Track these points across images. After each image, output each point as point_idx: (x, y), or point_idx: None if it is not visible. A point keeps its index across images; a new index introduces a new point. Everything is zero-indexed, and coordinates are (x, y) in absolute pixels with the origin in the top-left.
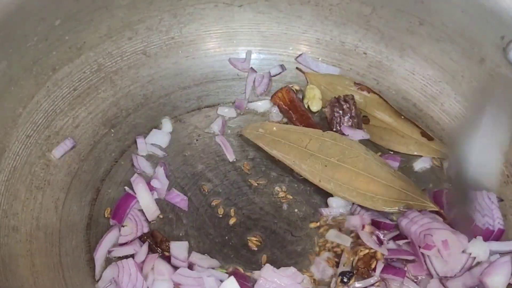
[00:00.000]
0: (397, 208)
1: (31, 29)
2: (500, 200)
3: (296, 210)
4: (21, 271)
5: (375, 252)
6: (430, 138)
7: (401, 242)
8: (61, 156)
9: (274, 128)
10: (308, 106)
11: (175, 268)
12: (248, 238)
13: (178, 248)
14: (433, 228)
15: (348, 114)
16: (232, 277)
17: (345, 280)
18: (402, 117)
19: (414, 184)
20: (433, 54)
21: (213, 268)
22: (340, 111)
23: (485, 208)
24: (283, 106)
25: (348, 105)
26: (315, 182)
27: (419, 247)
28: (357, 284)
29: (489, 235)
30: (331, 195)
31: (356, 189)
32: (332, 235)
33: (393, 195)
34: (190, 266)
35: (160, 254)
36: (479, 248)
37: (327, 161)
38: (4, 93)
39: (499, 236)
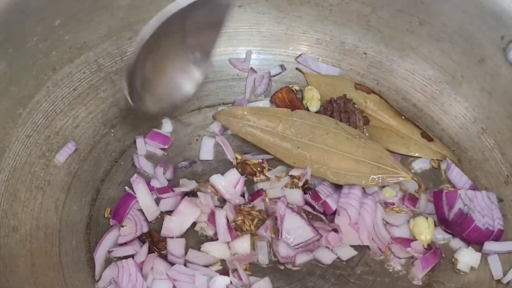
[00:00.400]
0: (370, 183)
1: (31, 29)
2: (500, 200)
3: None
4: (21, 271)
5: None
6: (430, 139)
7: None
8: (65, 160)
9: (245, 112)
10: (307, 107)
11: (173, 264)
12: None
13: (175, 244)
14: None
15: (337, 112)
16: (226, 277)
17: None
18: (403, 117)
19: (387, 153)
20: (433, 54)
21: (209, 266)
22: (330, 111)
23: (485, 208)
24: (283, 106)
25: (337, 104)
26: (291, 164)
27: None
28: None
29: (489, 236)
30: None
31: (330, 168)
32: None
33: (365, 170)
34: (186, 264)
35: (158, 254)
36: (471, 257)
37: (299, 142)
38: (4, 93)
39: (498, 236)
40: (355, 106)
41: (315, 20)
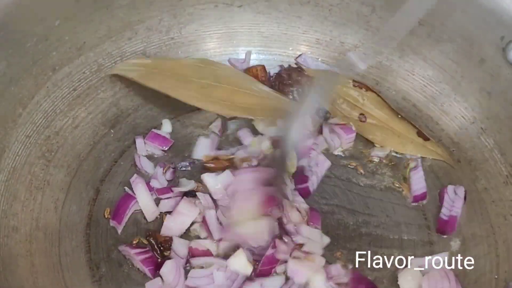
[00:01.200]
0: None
1: (31, 29)
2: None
3: None
4: (21, 272)
5: None
6: (426, 138)
7: None
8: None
9: (149, 60)
10: None
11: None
12: None
13: (180, 244)
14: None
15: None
16: (240, 250)
17: None
18: (399, 116)
19: (285, 99)
20: (432, 54)
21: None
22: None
23: (447, 201)
24: None
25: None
26: (196, 104)
27: None
28: None
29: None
30: None
31: (236, 104)
32: None
33: (269, 104)
34: (188, 261)
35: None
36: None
37: (204, 83)
38: (4, 93)
39: (453, 223)
40: (305, 74)
41: (315, 20)
